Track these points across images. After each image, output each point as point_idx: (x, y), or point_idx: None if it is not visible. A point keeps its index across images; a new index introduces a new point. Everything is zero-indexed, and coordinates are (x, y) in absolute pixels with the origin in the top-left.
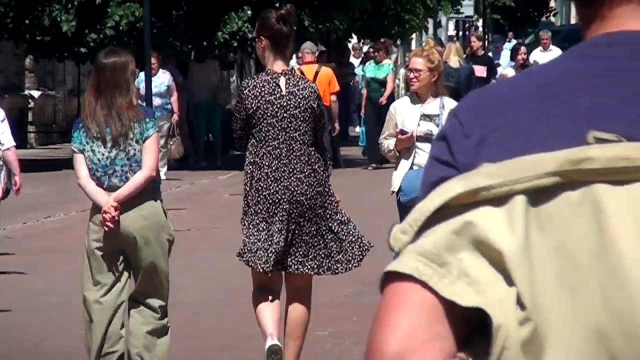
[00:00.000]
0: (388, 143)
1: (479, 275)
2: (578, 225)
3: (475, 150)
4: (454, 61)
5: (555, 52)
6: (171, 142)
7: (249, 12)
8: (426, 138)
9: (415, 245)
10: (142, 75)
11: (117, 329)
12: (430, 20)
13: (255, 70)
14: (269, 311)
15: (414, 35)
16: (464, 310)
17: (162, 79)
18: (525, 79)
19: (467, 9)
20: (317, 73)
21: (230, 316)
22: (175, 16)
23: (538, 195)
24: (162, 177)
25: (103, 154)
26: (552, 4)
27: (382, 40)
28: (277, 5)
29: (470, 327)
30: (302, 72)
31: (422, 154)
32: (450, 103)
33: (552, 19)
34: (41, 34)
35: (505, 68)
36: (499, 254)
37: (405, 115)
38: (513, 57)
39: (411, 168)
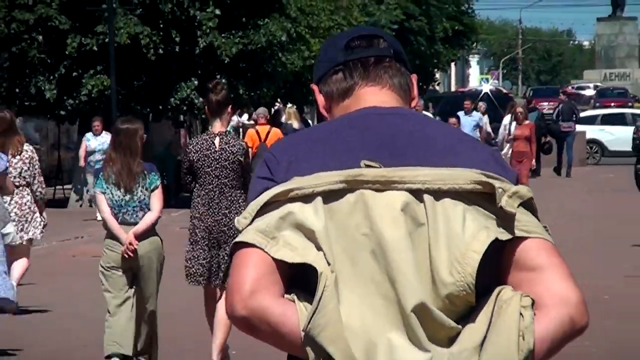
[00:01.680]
0: None
1: (298, 244)
2: (355, 216)
3: (285, 171)
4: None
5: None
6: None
7: (196, 82)
8: None
9: (254, 226)
10: (88, 134)
11: (129, 327)
12: None
13: (201, 128)
14: (214, 331)
15: None
16: (288, 267)
17: (106, 139)
18: (318, 128)
19: None
20: (268, 132)
21: (186, 327)
22: (137, 85)
23: (330, 197)
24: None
25: (119, 197)
26: (437, 75)
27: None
28: (218, 76)
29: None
30: (257, 132)
31: None
32: None
33: (437, 87)
34: (28, 100)
35: None
36: (311, 232)
37: None
38: None
39: None
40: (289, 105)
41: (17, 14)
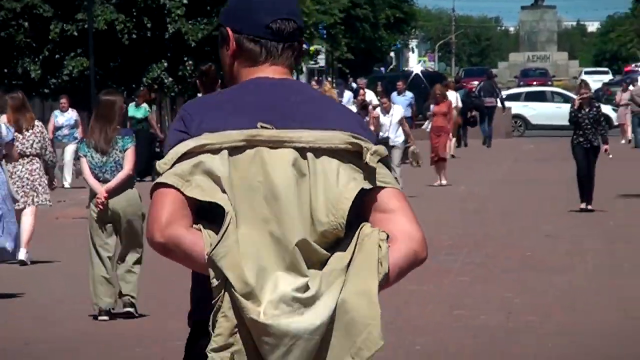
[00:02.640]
0: None
1: (207, 187)
2: (253, 167)
3: (197, 126)
4: None
5: (409, 95)
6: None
7: (165, 63)
8: None
9: (171, 170)
10: (56, 111)
11: (113, 279)
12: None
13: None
14: None
15: None
16: (197, 204)
17: (72, 115)
18: (225, 92)
19: (321, 61)
20: None
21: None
22: (112, 66)
23: (234, 151)
24: (67, 185)
25: (98, 159)
26: (392, 55)
27: (141, 88)
28: (185, 59)
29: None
30: None
31: None
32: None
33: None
34: (15, 79)
35: (347, 103)
36: (218, 178)
37: None
38: (356, 95)
39: None
40: None
41: (5, 3)
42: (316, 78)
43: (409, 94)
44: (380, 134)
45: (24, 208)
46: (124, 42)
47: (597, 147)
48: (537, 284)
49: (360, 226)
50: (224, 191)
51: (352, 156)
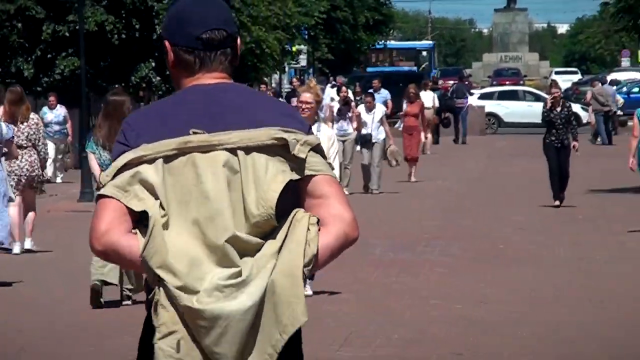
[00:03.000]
0: None
1: (143, 195)
2: (186, 172)
3: (136, 138)
4: None
5: (384, 92)
6: (67, 157)
7: (153, 63)
8: None
9: (112, 182)
10: (45, 108)
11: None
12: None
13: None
14: None
15: (266, 79)
16: (135, 212)
17: (60, 112)
18: (162, 103)
19: (303, 61)
20: None
21: None
22: (103, 66)
23: (168, 159)
24: (59, 180)
25: (106, 157)
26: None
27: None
28: None
29: (135, 220)
30: None
31: None
32: (324, 128)
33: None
34: (9, 78)
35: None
36: (151, 185)
37: None
38: (339, 92)
39: None
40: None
41: (0, 6)
42: (297, 77)
43: (384, 92)
44: (363, 130)
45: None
46: (113, 43)
47: (568, 146)
48: (509, 274)
49: (293, 212)
50: (157, 198)
51: (281, 149)
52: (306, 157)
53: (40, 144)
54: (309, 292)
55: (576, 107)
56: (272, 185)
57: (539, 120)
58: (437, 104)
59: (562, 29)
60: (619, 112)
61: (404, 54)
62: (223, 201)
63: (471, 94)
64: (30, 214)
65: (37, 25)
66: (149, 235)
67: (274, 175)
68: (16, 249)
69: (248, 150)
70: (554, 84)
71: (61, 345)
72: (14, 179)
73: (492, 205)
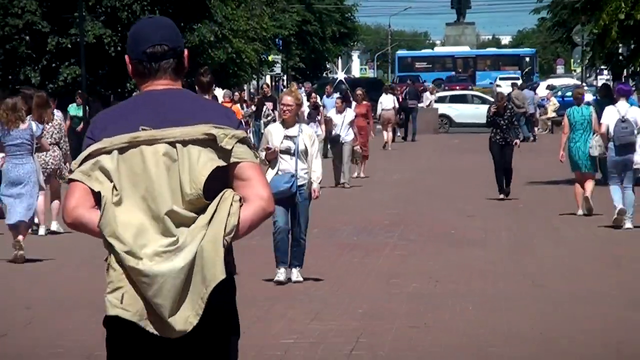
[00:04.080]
0: (261, 154)
1: (101, 179)
2: (135, 160)
3: (99, 133)
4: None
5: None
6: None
7: None
8: (287, 152)
9: (79, 168)
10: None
11: None
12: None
13: None
14: None
15: (245, 86)
16: (96, 192)
17: (58, 115)
18: (121, 105)
19: (277, 69)
20: (230, 107)
21: None
22: (101, 74)
23: (122, 150)
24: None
25: None
26: (328, 65)
27: (79, 92)
28: None
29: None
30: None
31: (284, 162)
32: (305, 128)
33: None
34: (18, 84)
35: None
36: (107, 171)
37: (274, 136)
38: (308, 98)
39: (277, 173)
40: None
41: (10, 20)
42: (266, 84)
43: (335, 96)
44: (333, 131)
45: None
46: (110, 54)
47: (511, 143)
48: (459, 256)
49: (222, 192)
50: (112, 181)
51: (212, 142)
52: (232, 148)
53: (62, 141)
54: (300, 278)
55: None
56: (202, 171)
57: (485, 121)
58: (397, 105)
59: (505, 40)
60: (552, 114)
61: (509, 60)
62: (162, 182)
63: (420, 98)
64: (56, 201)
65: (43, 38)
66: (102, 211)
67: (204, 163)
68: (41, 230)
69: (184, 143)
70: (500, 97)
71: (68, 320)
72: (42, 172)
73: (444, 195)
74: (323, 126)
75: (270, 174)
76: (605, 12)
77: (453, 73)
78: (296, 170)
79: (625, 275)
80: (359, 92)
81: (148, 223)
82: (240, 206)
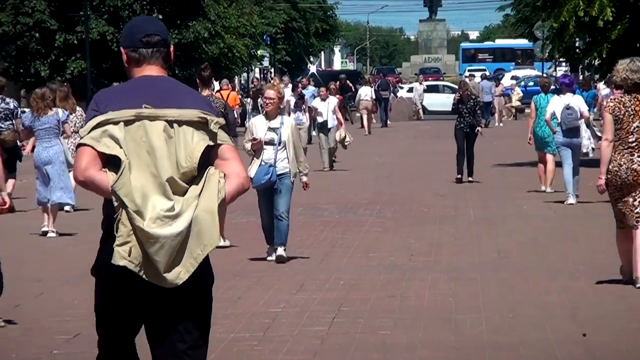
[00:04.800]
0: (247, 145)
1: (110, 145)
2: (139, 132)
3: (104, 106)
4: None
5: (311, 88)
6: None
7: None
8: (270, 142)
9: (89, 135)
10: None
11: None
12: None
13: None
14: None
15: (236, 78)
16: (105, 156)
17: (78, 107)
18: (123, 85)
19: (265, 62)
20: (229, 94)
21: None
22: (104, 67)
23: (128, 122)
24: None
25: None
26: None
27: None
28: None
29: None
30: (221, 94)
31: (267, 152)
32: (287, 119)
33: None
34: (28, 77)
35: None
36: (117, 139)
37: (258, 127)
38: (294, 89)
39: (260, 165)
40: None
41: (21, 19)
42: (256, 77)
43: (311, 88)
44: (319, 118)
45: None
46: (113, 49)
47: (474, 129)
48: (431, 232)
49: (208, 169)
50: (121, 147)
51: (202, 125)
52: (217, 132)
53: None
54: (283, 255)
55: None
56: (197, 147)
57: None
58: (374, 96)
59: (473, 35)
60: (516, 102)
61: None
62: (163, 154)
63: (401, 88)
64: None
65: (51, 35)
66: (120, 172)
67: (197, 141)
68: (67, 207)
69: (180, 123)
70: (463, 84)
71: (76, 292)
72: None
73: (417, 176)
74: (307, 114)
75: (256, 163)
76: (565, 9)
77: (513, 64)
78: (275, 160)
79: (579, 247)
80: (332, 85)
81: (151, 188)
82: (225, 182)
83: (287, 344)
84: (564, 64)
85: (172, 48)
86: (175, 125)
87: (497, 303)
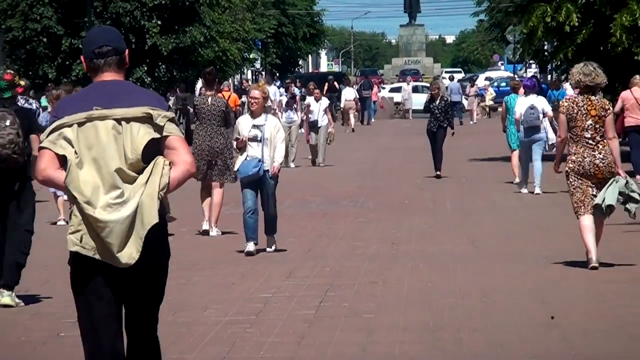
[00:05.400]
0: (233, 143)
1: (65, 146)
2: (91, 132)
3: (62, 112)
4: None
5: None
6: None
7: (145, 67)
8: (254, 139)
9: (48, 138)
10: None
11: None
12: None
13: None
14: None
15: (230, 79)
16: (61, 156)
17: None
18: (80, 92)
19: (257, 65)
20: (229, 96)
21: None
22: None
23: (81, 124)
24: None
25: None
26: (301, 62)
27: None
28: (160, 64)
29: (62, 163)
30: (223, 95)
31: (251, 149)
32: (271, 118)
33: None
34: (37, 79)
35: (274, 95)
36: (69, 140)
37: (243, 125)
38: (287, 90)
39: (245, 159)
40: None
41: (30, 25)
42: (245, 79)
43: (296, 90)
44: (311, 117)
45: None
46: None
47: (445, 129)
48: (411, 222)
49: (156, 158)
50: (73, 147)
51: (149, 120)
52: (164, 125)
53: None
54: (271, 249)
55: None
56: (141, 140)
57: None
58: (357, 96)
59: (450, 39)
60: (490, 102)
61: None
62: (112, 148)
63: (383, 88)
64: None
65: (58, 40)
66: (67, 170)
67: (142, 135)
68: None
69: (127, 120)
70: (434, 83)
71: None
72: None
73: (398, 170)
74: (299, 113)
75: (240, 159)
76: (534, 15)
77: None
78: (262, 156)
79: (547, 235)
80: (311, 86)
81: (100, 180)
82: (170, 169)
83: (277, 326)
84: (533, 65)
85: (127, 53)
86: (123, 122)
87: (472, 288)
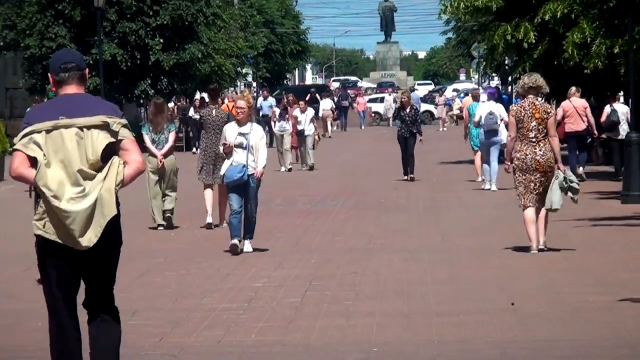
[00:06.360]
0: (220, 148)
1: (35, 149)
2: (57, 137)
3: (33, 120)
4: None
5: (271, 100)
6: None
7: (149, 81)
8: (240, 146)
9: (20, 142)
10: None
11: (160, 204)
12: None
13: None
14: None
15: (224, 91)
16: (32, 158)
17: None
18: (49, 102)
19: (249, 78)
20: (233, 107)
21: None
22: (115, 83)
23: (48, 131)
24: None
25: (154, 136)
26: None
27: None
28: (162, 78)
29: (32, 163)
30: (227, 106)
31: (237, 155)
32: (256, 127)
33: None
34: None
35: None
36: (38, 144)
37: (229, 133)
38: (279, 102)
39: (231, 164)
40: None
41: (46, 43)
42: (234, 92)
43: (270, 99)
44: (298, 127)
45: None
46: (122, 68)
47: (414, 135)
48: (387, 219)
49: (112, 158)
50: (42, 150)
51: (106, 127)
52: (119, 130)
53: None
54: (250, 249)
55: (430, 107)
56: (100, 145)
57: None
58: (334, 106)
59: (422, 55)
60: (457, 111)
61: None
62: (74, 152)
63: (350, 99)
64: None
65: None
66: (37, 169)
67: (101, 140)
68: None
69: (89, 127)
70: (402, 92)
71: None
72: None
73: (375, 172)
74: (291, 121)
75: (226, 164)
76: (496, 33)
77: None
78: (247, 162)
79: (507, 229)
80: (290, 97)
81: (65, 178)
82: (124, 167)
83: (267, 313)
84: (495, 78)
85: (86, 71)
86: (85, 129)
87: (442, 278)
